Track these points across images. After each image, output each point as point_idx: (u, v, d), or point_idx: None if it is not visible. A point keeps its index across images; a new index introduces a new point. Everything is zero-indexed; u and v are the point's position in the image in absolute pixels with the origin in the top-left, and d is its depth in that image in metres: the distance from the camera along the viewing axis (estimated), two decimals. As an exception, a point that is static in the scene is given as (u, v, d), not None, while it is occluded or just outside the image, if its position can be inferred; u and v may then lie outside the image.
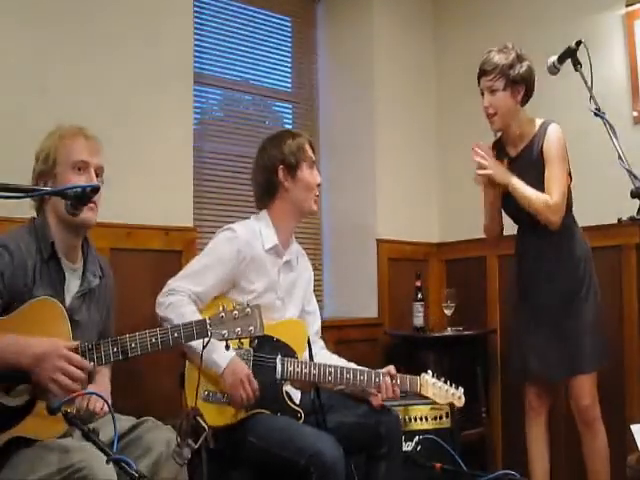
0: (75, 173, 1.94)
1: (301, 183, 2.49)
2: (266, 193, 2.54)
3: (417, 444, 2.90)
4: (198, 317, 2.13)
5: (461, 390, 2.52)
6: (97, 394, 1.75)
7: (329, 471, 2.06)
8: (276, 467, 2.19)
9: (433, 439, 2.90)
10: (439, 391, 2.47)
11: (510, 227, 3.44)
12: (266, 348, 2.33)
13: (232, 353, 2.18)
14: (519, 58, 2.60)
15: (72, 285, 1.99)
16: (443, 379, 2.50)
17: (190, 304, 2.29)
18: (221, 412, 2.24)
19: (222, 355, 2.19)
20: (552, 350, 2.61)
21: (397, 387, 2.39)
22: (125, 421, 1.92)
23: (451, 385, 2.51)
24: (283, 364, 2.30)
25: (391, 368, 2.42)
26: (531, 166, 2.63)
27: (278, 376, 2.30)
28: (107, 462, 1.44)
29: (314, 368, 2.33)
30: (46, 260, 1.92)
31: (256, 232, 2.47)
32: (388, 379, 2.37)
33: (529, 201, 2.56)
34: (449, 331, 3.51)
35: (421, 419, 2.95)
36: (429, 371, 2.49)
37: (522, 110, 2.66)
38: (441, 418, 2.97)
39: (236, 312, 1.83)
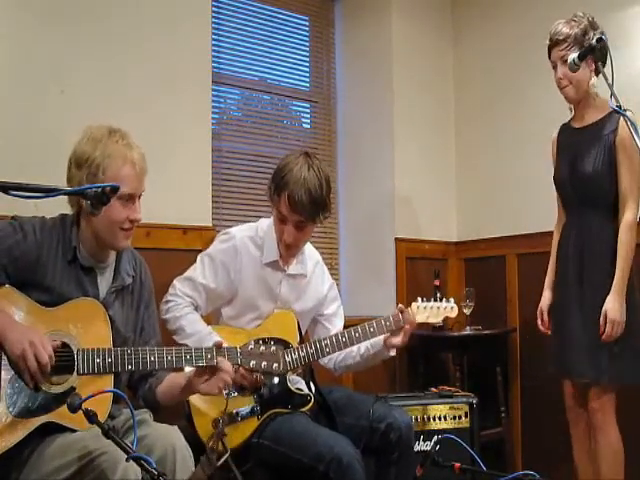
0: (121, 204, 1.93)
1: (274, 215, 2.44)
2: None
3: (436, 443, 2.87)
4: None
5: (452, 301, 2.53)
6: (118, 393, 1.77)
7: (348, 474, 2.07)
8: (294, 470, 2.20)
9: (452, 439, 2.88)
10: (431, 312, 2.48)
11: (525, 226, 3.42)
12: None
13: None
14: (592, 26, 2.53)
15: (103, 281, 2.01)
16: (433, 299, 2.50)
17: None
18: (235, 429, 2.22)
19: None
20: (584, 347, 2.52)
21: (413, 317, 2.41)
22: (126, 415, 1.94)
23: (441, 300, 2.52)
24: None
25: (401, 306, 2.42)
26: (597, 143, 2.54)
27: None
28: (127, 460, 1.45)
29: (310, 347, 2.34)
30: (69, 261, 1.94)
31: (257, 242, 2.45)
32: (400, 314, 2.39)
33: (629, 258, 2.48)
34: (468, 330, 3.48)
35: (440, 418, 2.94)
36: (418, 298, 2.48)
37: (595, 80, 2.55)
38: (460, 418, 2.96)
39: (263, 348, 2.03)
